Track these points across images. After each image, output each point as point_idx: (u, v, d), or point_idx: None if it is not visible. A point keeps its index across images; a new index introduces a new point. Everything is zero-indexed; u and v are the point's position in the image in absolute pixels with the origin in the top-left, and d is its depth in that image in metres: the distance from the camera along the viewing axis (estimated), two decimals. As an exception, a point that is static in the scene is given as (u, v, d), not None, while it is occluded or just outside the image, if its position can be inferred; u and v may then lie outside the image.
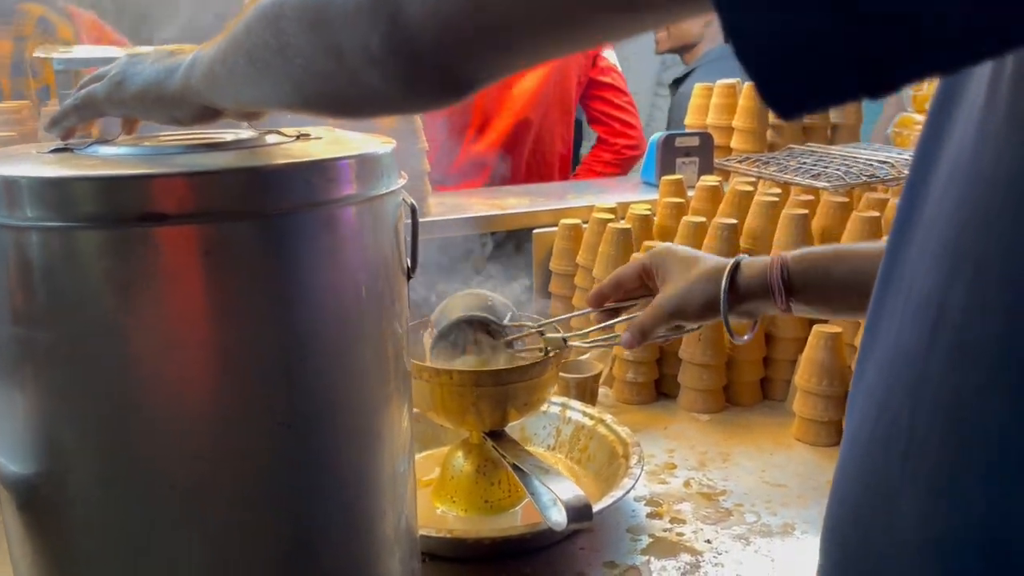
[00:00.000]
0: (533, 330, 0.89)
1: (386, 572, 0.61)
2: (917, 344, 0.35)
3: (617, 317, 0.86)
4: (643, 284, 0.85)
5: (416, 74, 0.38)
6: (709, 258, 0.81)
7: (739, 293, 0.78)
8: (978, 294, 0.32)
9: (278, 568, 0.54)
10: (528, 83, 1.93)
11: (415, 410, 1.01)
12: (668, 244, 0.85)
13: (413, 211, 0.61)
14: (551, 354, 0.87)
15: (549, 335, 0.90)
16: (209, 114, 0.54)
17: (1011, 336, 0.31)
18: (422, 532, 0.79)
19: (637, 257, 0.88)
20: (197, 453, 0.50)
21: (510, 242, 1.42)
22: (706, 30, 2.85)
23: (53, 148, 0.56)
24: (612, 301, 0.87)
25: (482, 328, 0.88)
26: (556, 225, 1.38)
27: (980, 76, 0.33)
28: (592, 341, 0.91)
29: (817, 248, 0.80)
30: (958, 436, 0.34)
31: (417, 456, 1.05)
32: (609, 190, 1.63)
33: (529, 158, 1.96)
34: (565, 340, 0.88)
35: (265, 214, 0.49)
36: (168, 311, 0.48)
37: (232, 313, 0.50)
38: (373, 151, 0.56)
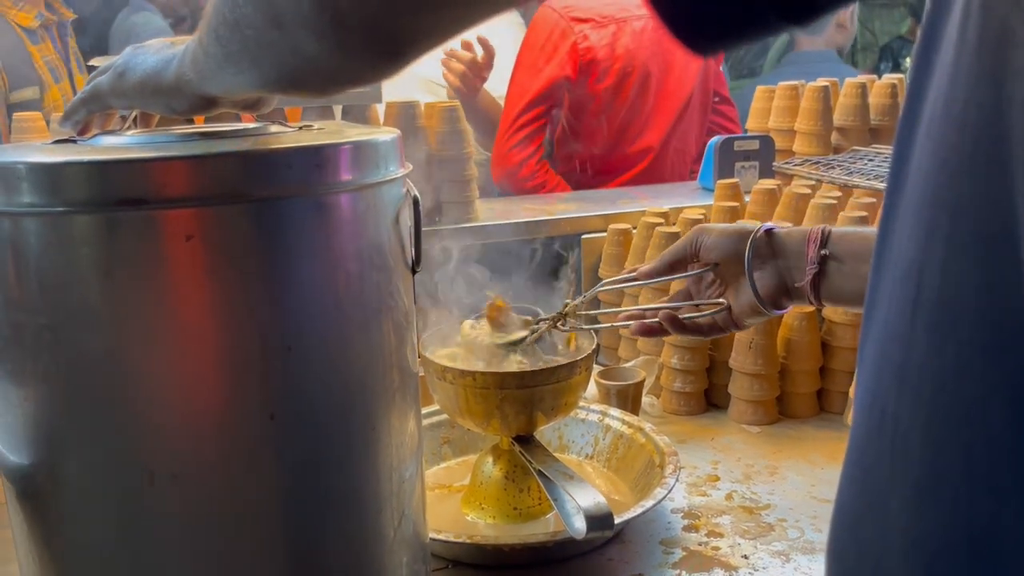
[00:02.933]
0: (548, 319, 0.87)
1: (386, 573, 0.59)
2: (900, 320, 0.32)
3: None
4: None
5: (345, 34, 0.36)
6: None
7: (771, 246, 0.77)
8: (955, 251, 0.29)
9: (268, 559, 0.53)
10: (682, 82, 1.94)
11: (444, 415, 1.00)
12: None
13: (415, 203, 0.59)
14: (543, 325, 0.86)
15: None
16: (204, 104, 0.53)
17: (988, 298, 0.28)
18: (441, 537, 0.77)
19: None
20: (175, 442, 0.49)
21: (558, 248, 1.40)
22: None
23: (56, 140, 0.57)
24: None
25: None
26: (606, 231, 1.35)
27: (955, 12, 0.29)
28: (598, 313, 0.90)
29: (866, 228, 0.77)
30: (940, 425, 0.30)
31: (451, 462, 1.04)
32: (664, 195, 1.59)
33: (673, 156, 1.97)
34: (564, 307, 0.86)
35: (250, 199, 0.48)
36: (149, 298, 0.48)
37: (216, 300, 0.49)
38: (368, 138, 0.54)
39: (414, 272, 0.61)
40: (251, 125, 0.58)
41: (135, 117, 0.64)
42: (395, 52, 0.38)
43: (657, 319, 0.83)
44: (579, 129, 1.92)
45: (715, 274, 0.83)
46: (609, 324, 0.90)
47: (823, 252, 0.75)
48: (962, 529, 0.29)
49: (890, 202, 0.35)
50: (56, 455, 0.51)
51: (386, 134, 0.57)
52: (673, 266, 0.84)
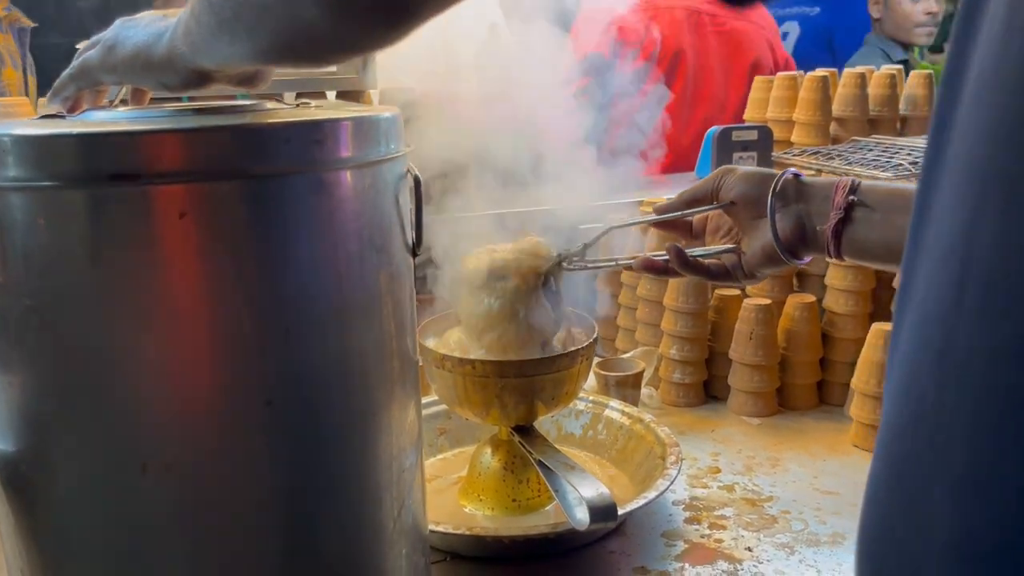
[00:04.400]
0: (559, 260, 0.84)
1: (386, 565, 0.57)
2: (941, 304, 0.30)
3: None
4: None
5: None
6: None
7: (796, 189, 0.73)
8: (1009, 225, 0.27)
9: (264, 550, 0.51)
10: (729, 77, 1.91)
11: (443, 405, 0.98)
12: None
13: (417, 183, 0.57)
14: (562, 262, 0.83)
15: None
16: (197, 79, 0.51)
17: None
18: (439, 529, 0.76)
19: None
20: (168, 430, 0.47)
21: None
22: None
23: (43, 115, 0.55)
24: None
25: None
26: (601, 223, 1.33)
27: None
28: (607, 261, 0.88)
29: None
30: (988, 413, 0.28)
31: (448, 454, 1.02)
32: (661, 187, 1.57)
33: None
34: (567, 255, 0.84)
35: (247, 175, 0.46)
36: (140, 278, 0.46)
37: (210, 281, 0.47)
38: (370, 114, 0.52)
39: (415, 255, 0.60)
40: (247, 102, 0.56)
41: (124, 97, 0.62)
42: (397, 17, 0.36)
43: (664, 257, 0.80)
44: (606, 112, 1.90)
45: (731, 216, 0.79)
46: (614, 262, 0.87)
47: (851, 198, 0.70)
48: (1011, 528, 0.27)
49: (928, 179, 0.33)
50: (43, 443, 0.49)
51: (387, 111, 0.55)
52: (691, 204, 0.81)
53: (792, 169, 0.76)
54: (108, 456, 0.48)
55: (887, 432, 0.36)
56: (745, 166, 0.80)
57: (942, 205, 0.31)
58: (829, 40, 3.03)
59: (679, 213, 0.82)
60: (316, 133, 0.49)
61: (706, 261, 0.79)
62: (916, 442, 0.31)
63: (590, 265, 0.86)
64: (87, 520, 0.49)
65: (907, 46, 2.66)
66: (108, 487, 0.48)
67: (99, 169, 0.44)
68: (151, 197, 0.45)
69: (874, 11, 2.69)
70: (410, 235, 0.58)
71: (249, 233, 0.47)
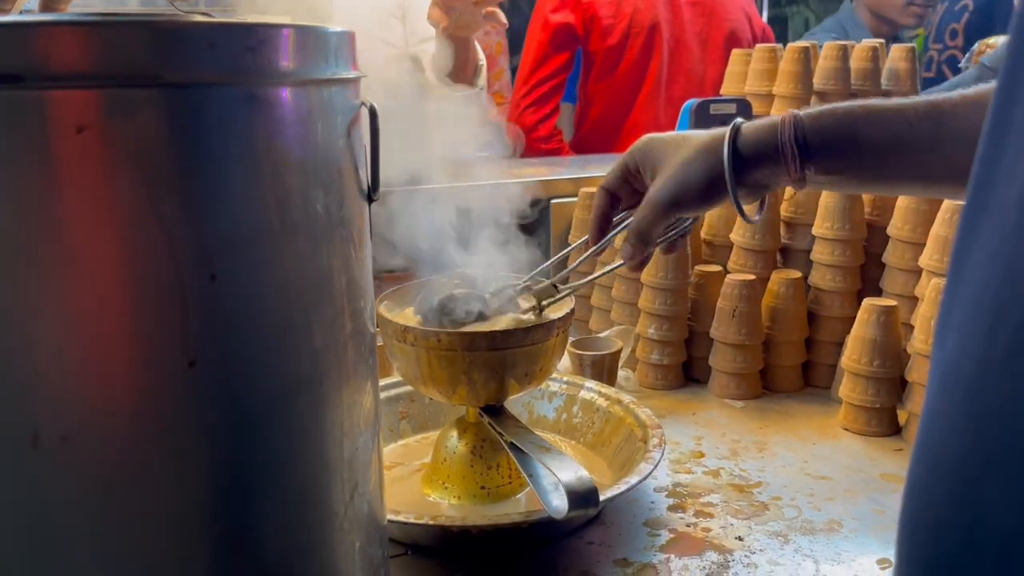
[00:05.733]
0: (519, 286, 0.78)
1: (335, 557, 0.49)
2: None
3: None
4: (635, 191, 0.74)
5: None
6: (702, 133, 0.69)
7: (744, 159, 0.65)
8: None
9: (188, 539, 0.43)
10: (706, 51, 1.86)
11: (405, 387, 0.90)
12: (650, 135, 0.72)
13: (373, 114, 0.50)
14: (544, 305, 0.76)
15: (538, 288, 0.78)
16: None
17: None
18: (401, 519, 0.68)
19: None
20: (66, 395, 0.39)
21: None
22: None
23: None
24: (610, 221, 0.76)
25: (470, 302, 0.77)
26: (576, 195, 1.26)
27: None
28: (590, 276, 0.83)
29: (840, 104, 0.64)
30: None
31: (410, 439, 0.94)
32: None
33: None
34: (555, 286, 0.77)
35: (162, 82, 0.38)
36: (31, 208, 0.37)
37: (117, 213, 0.38)
38: (317, 26, 0.44)
39: (370, 201, 0.52)
40: (169, 10, 0.48)
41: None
42: None
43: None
44: (584, 92, 1.85)
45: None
46: (600, 272, 0.82)
47: (805, 173, 0.64)
48: None
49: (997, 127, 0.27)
50: (-87, 411, 0.40)
51: (339, 27, 0.47)
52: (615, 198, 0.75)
53: (735, 123, 0.67)
54: (-9, 427, 0.39)
55: (953, 390, 0.29)
56: (659, 135, 0.72)
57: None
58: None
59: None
60: (248, 38, 0.41)
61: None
62: (1014, 373, 0.25)
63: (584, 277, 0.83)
64: (-33, 506, 0.40)
65: (894, 28, 2.45)
66: (-8, 465, 0.39)
67: (-28, 69, 0.36)
68: (42, 105, 0.36)
69: None
70: (365, 177, 0.50)
71: (165, 154, 0.39)
